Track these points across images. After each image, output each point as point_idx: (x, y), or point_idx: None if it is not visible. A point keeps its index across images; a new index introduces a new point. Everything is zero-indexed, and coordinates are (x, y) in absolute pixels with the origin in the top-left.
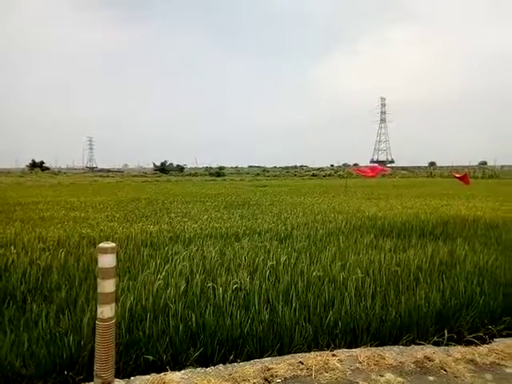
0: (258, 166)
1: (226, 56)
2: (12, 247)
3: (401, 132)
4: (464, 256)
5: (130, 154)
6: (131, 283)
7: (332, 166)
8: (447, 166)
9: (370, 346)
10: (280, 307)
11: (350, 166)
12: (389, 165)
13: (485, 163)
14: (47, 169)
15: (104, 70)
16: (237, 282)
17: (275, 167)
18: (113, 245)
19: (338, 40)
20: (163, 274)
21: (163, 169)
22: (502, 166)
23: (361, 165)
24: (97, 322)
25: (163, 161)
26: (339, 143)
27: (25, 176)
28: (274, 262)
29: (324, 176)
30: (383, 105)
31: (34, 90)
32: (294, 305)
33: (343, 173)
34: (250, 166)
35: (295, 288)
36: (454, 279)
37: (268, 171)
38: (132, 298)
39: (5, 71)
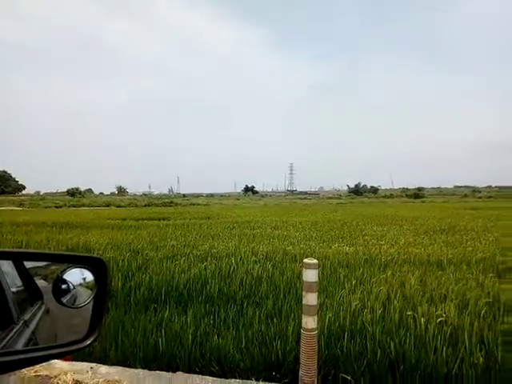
0: (466, 186)
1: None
2: (233, 258)
3: None
4: None
5: (325, 176)
6: (329, 301)
7: None
8: None
9: None
10: (499, 351)
11: None
12: None
13: None
14: (256, 192)
15: None
16: (441, 315)
17: (489, 187)
18: (316, 261)
19: None
20: (359, 295)
21: (357, 190)
22: None
23: None
24: (302, 331)
25: (357, 182)
26: None
27: (240, 199)
28: (491, 299)
29: None
30: None
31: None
32: None
33: None
34: (456, 187)
35: None
36: None
37: (479, 191)
38: (330, 315)
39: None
